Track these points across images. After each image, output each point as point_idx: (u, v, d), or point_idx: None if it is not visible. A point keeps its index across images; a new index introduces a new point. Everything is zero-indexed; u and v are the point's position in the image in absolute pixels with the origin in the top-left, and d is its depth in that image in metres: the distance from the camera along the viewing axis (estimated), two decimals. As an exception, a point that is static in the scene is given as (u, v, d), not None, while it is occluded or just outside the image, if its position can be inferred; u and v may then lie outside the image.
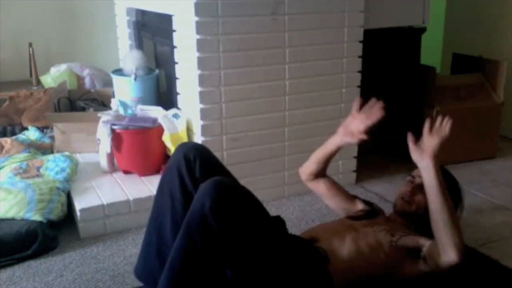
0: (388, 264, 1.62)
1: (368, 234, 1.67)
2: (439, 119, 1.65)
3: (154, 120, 2.44)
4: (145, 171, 2.46)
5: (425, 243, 1.62)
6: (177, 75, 2.47)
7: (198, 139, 2.33)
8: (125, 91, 2.81)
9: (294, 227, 2.19)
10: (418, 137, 1.67)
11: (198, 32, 2.18)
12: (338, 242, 1.63)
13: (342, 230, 1.69)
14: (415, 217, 1.78)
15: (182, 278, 1.42)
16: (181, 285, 1.42)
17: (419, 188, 1.77)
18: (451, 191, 1.73)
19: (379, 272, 1.62)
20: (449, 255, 1.49)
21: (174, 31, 2.40)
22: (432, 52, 3.63)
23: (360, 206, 1.91)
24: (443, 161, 2.81)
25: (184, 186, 1.59)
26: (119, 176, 2.47)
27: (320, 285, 1.54)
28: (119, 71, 2.95)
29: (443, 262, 1.52)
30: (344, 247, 1.61)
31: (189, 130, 2.41)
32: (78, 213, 2.16)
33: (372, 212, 1.86)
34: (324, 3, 2.39)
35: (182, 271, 1.42)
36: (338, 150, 1.84)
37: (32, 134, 2.86)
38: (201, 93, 2.25)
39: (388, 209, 2.37)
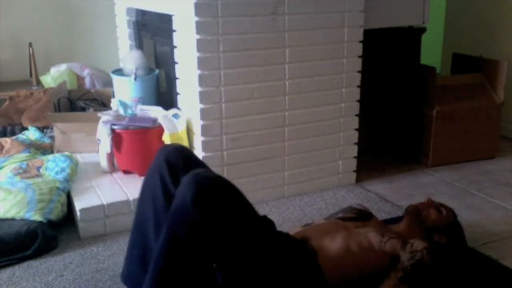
0: (378, 266, 1.62)
1: (360, 234, 1.68)
2: None
3: (154, 120, 2.44)
4: (145, 171, 2.42)
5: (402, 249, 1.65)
6: (177, 75, 2.47)
7: (198, 139, 2.33)
8: (125, 91, 2.81)
9: (294, 227, 2.18)
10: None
11: (198, 32, 2.18)
12: (329, 240, 1.63)
13: (333, 230, 1.70)
14: (420, 222, 1.80)
15: (167, 274, 1.40)
16: (166, 280, 1.40)
17: (436, 206, 1.84)
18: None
19: (370, 274, 1.62)
20: None
21: (174, 31, 2.40)
22: (432, 52, 3.62)
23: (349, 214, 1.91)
24: (444, 161, 2.84)
25: (167, 190, 1.56)
26: (119, 176, 2.47)
27: (311, 277, 1.54)
28: (119, 71, 2.95)
29: None
30: (334, 245, 1.61)
31: (189, 130, 2.41)
32: (78, 213, 2.16)
33: (364, 215, 1.86)
34: (324, 3, 2.39)
35: (166, 267, 1.39)
36: None
37: (32, 134, 2.85)
38: (201, 93, 2.25)
39: (388, 209, 2.38)
